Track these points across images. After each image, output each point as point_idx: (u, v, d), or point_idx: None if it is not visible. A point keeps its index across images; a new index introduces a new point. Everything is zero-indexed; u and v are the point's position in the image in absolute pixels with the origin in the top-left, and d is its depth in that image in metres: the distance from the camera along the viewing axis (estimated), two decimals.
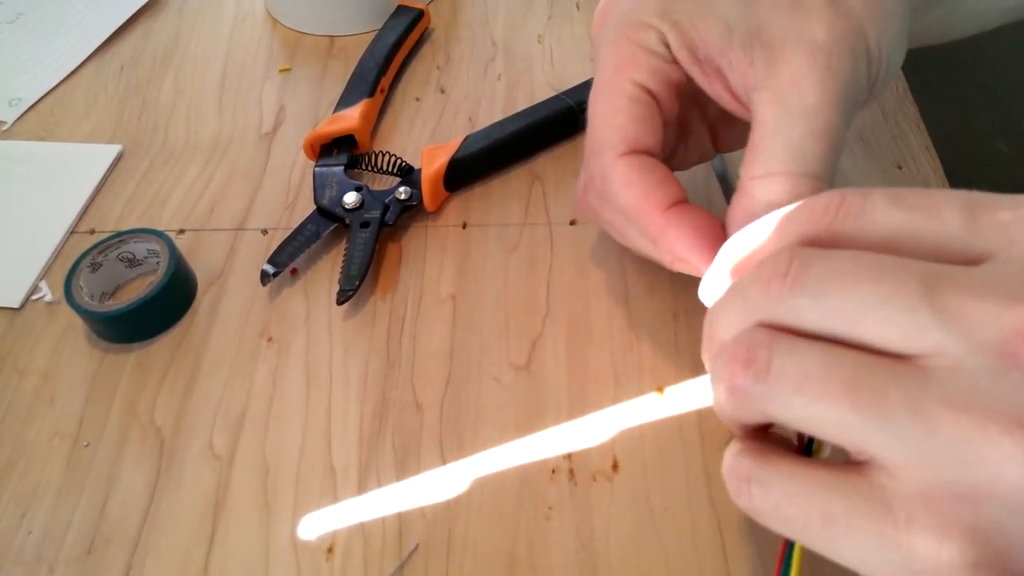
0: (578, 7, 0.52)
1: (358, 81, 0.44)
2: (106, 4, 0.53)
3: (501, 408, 0.32)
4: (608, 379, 0.32)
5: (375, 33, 0.47)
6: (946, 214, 0.18)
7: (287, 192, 0.41)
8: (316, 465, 0.31)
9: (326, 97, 0.46)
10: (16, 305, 0.36)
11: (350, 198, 0.38)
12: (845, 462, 0.18)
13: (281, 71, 0.48)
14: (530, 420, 0.31)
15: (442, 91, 0.46)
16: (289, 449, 0.31)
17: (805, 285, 0.18)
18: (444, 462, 0.30)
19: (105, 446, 0.31)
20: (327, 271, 0.37)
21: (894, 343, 0.17)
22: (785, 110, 0.24)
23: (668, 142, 0.31)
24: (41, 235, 0.39)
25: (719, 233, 0.27)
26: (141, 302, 0.33)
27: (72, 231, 0.40)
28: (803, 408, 0.18)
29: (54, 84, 0.48)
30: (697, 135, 0.33)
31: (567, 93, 0.42)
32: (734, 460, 0.20)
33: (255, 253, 0.38)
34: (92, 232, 0.40)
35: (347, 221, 0.37)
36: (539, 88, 0.46)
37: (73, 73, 0.49)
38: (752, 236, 0.23)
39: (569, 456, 0.30)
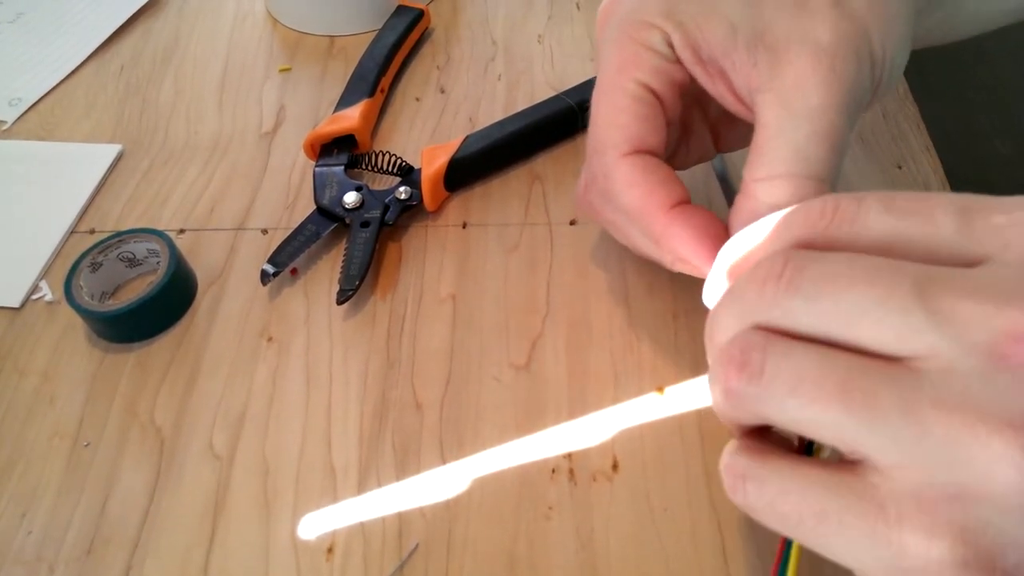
0: (578, 7, 0.52)
1: (358, 81, 0.44)
2: (106, 4, 0.53)
3: (501, 408, 0.32)
4: (608, 379, 0.32)
5: (375, 33, 0.47)
6: (940, 218, 0.18)
7: (287, 192, 0.41)
8: (316, 465, 0.31)
9: (326, 97, 0.46)
10: (16, 305, 0.36)
11: (350, 198, 0.38)
12: (840, 461, 0.18)
13: (281, 71, 0.48)
14: (530, 420, 0.31)
15: (442, 91, 0.46)
16: (289, 449, 0.31)
17: (800, 287, 0.19)
18: (444, 462, 0.30)
19: (105, 446, 0.32)
20: (327, 271, 0.37)
21: (888, 345, 0.17)
22: (789, 112, 0.24)
23: (670, 142, 0.31)
24: (41, 235, 0.39)
25: (722, 234, 0.27)
26: (141, 302, 0.33)
27: (72, 231, 0.40)
28: (797, 410, 0.18)
29: (54, 84, 0.48)
30: (698, 135, 0.33)
31: (567, 93, 0.42)
32: (730, 458, 0.20)
33: (255, 253, 0.38)
34: (92, 232, 0.40)
35: (347, 221, 0.37)
36: (539, 88, 0.46)
37: (73, 73, 0.49)
38: (749, 239, 0.23)
39: (569, 456, 0.30)
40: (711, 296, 0.25)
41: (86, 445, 0.32)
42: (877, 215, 0.19)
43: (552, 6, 0.52)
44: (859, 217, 0.19)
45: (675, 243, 0.27)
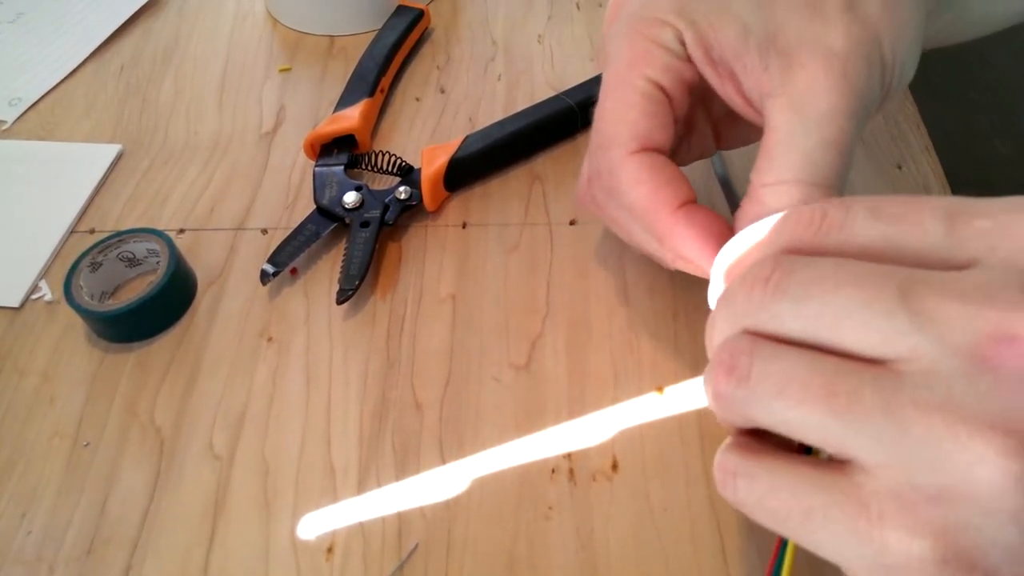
0: (578, 7, 0.52)
1: (358, 81, 0.44)
2: (106, 4, 0.53)
3: (501, 408, 0.32)
4: (608, 379, 0.32)
5: (375, 33, 0.47)
6: (927, 223, 0.18)
7: (287, 192, 0.41)
8: (316, 465, 0.31)
9: (326, 97, 0.46)
10: (16, 305, 0.36)
11: (350, 198, 0.38)
12: (828, 460, 0.19)
13: (281, 71, 0.48)
14: (530, 420, 0.31)
15: (442, 91, 0.46)
16: (289, 449, 0.31)
17: (787, 291, 0.19)
18: (444, 462, 0.30)
19: (105, 446, 0.32)
20: (327, 271, 0.37)
21: (874, 348, 0.17)
22: (799, 117, 0.24)
23: (675, 139, 0.31)
24: (41, 235, 0.39)
25: (727, 235, 0.26)
26: (141, 302, 0.33)
27: (72, 231, 0.40)
28: (783, 412, 0.18)
29: (54, 84, 0.48)
30: (700, 132, 0.33)
31: (567, 93, 0.42)
32: (722, 455, 0.20)
33: (255, 253, 0.38)
34: (92, 232, 0.40)
35: (347, 221, 0.37)
36: (539, 88, 0.46)
37: (73, 73, 0.49)
38: (744, 242, 0.23)
39: (569, 456, 0.30)
40: (712, 298, 0.25)
41: (86, 445, 0.32)
42: (864, 221, 0.19)
43: (552, 6, 0.52)
44: (847, 224, 0.19)
45: (680, 243, 0.27)
